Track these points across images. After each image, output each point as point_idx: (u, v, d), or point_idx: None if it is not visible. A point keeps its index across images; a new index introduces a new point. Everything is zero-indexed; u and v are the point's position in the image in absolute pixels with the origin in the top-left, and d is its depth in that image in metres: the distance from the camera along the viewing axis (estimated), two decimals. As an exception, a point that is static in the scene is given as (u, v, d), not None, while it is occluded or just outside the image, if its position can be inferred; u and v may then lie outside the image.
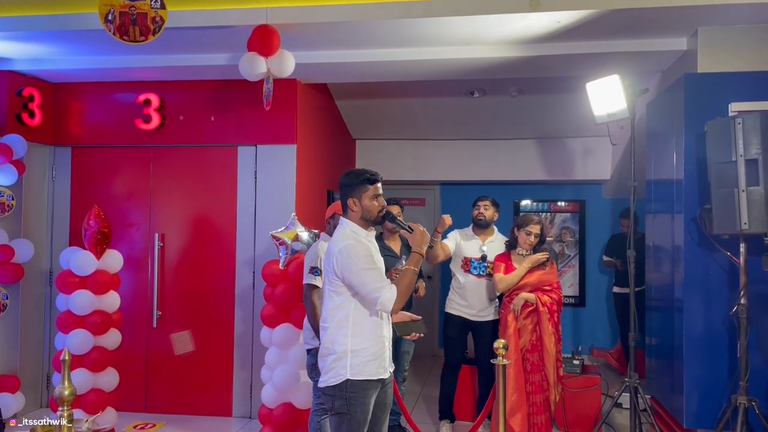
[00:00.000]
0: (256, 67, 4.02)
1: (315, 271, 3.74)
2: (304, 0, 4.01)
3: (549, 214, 7.68)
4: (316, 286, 3.72)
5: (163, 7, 2.66)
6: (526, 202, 7.72)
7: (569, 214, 7.65)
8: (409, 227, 2.85)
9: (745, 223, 3.41)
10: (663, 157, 4.54)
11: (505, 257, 4.45)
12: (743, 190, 3.42)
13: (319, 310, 3.76)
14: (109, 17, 2.53)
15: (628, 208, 6.34)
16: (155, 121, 5.33)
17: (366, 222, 2.87)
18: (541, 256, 4.32)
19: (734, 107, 3.87)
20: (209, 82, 5.33)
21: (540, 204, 7.72)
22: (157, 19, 2.60)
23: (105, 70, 5.08)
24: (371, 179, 2.85)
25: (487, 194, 4.89)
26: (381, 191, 2.88)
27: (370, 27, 4.14)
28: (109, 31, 2.55)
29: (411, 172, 7.34)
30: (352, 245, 2.75)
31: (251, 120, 5.27)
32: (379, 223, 2.90)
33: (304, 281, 3.79)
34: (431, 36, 4.32)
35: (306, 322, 3.84)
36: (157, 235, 5.36)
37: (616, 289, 6.81)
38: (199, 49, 4.72)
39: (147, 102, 5.34)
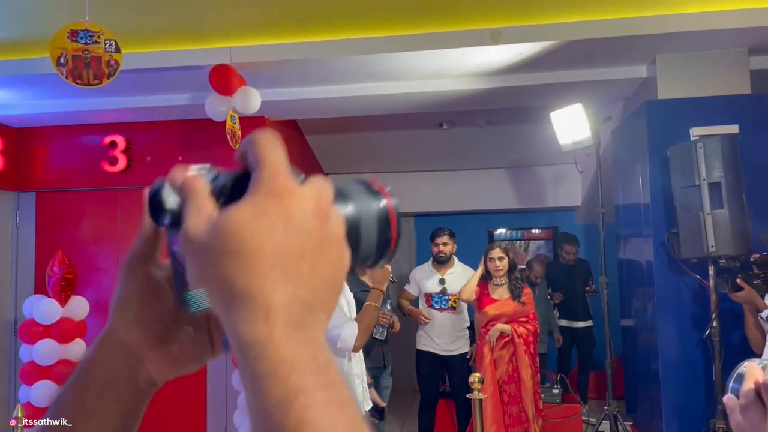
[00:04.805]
0: (220, 106, 4.00)
1: None
2: (267, 38, 4.02)
3: (523, 241, 7.71)
4: None
5: (117, 50, 2.63)
6: (500, 231, 7.74)
7: (543, 241, 7.68)
8: None
9: (712, 246, 3.43)
10: (630, 183, 4.59)
11: (482, 285, 4.43)
12: (708, 214, 3.45)
13: None
14: (61, 60, 2.50)
15: (567, 234, 6.39)
16: (122, 163, 5.27)
17: None
18: (480, 270, 4.36)
19: (695, 131, 3.92)
20: (177, 122, 5.28)
21: (514, 232, 7.75)
22: (112, 62, 2.57)
23: (69, 114, 5.02)
24: None
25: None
26: None
27: (335, 63, 4.15)
28: (62, 74, 2.52)
29: (384, 205, 7.32)
30: None
31: (220, 159, 5.20)
32: None
33: None
34: (397, 71, 4.35)
35: None
36: (125, 278, 5.23)
37: (563, 322, 6.15)
38: (164, 90, 4.70)
39: (113, 144, 5.28)
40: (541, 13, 3.74)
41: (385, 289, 2.78)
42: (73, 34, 2.52)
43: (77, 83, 2.54)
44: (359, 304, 3.00)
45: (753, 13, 3.69)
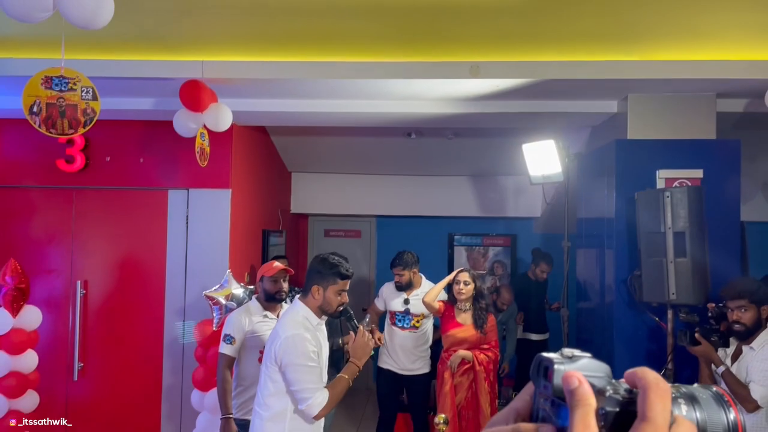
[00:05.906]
0: (189, 123, 3.87)
1: (227, 339, 3.52)
2: (241, 54, 3.89)
3: (482, 247, 7.80)
4: (227, 356, 3.53)
5: (95, 98, 2.48)
6: (459, 236, 7.81)
7: (501, 248, 7.79)
8: (356, 329, 2.78)
9: (673, 294, 3.54)
10: (593, 213, 4.68)
11: (448, 307, 4.44)
12: (671, 262, 3.56)
13: (229, 384, 3.55)
14: (35, 109, 2.35)
15: (544, 252, 6.41)
16: (79, 162, 5.05)
17: (321, 312, 2.80)
18: (447, 279, 4.40)
19: (662, 174, 4.03)
20: (139, 123, 5.09)
21: (473, 237, 7.83)
22: (89, 110, 2.43)
23: (24, 110, 4.77)
24: (344, 275, 2.76)
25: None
26: (347, 288, 2.80)
27: (309, 83, 4.06)
28: (34, 123, 2.37)
29: (347, 206, 7.30)
30: (301, 336, 2.65)
31: (183, 163, 5.07)
32: (334, 317, 2.83)
33: (219, 349, 3.61)
34: (371, 93, 4.29)
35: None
36: (79, 282, 5.07)
37: (525, 335, 6.13)
38: (130, 94, 4.52)
39: (70, 142, 5.06)
40: (519, 50, 3.73)
41: (362, 365, 2.75)
42: (48, 81, 2.37)
43: (50, 133, 2.40)
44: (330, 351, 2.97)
45: (720, 65, 3.77)
